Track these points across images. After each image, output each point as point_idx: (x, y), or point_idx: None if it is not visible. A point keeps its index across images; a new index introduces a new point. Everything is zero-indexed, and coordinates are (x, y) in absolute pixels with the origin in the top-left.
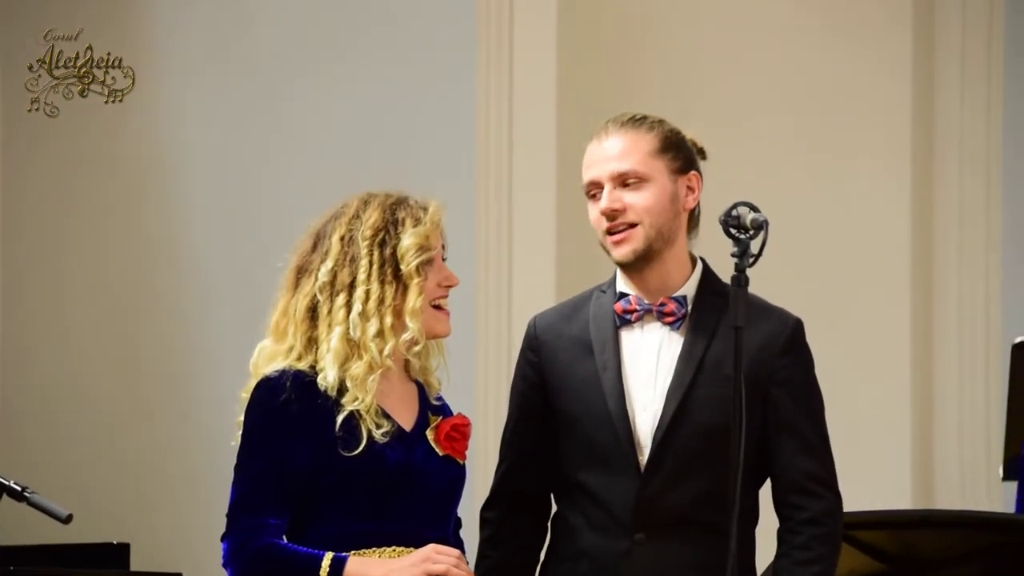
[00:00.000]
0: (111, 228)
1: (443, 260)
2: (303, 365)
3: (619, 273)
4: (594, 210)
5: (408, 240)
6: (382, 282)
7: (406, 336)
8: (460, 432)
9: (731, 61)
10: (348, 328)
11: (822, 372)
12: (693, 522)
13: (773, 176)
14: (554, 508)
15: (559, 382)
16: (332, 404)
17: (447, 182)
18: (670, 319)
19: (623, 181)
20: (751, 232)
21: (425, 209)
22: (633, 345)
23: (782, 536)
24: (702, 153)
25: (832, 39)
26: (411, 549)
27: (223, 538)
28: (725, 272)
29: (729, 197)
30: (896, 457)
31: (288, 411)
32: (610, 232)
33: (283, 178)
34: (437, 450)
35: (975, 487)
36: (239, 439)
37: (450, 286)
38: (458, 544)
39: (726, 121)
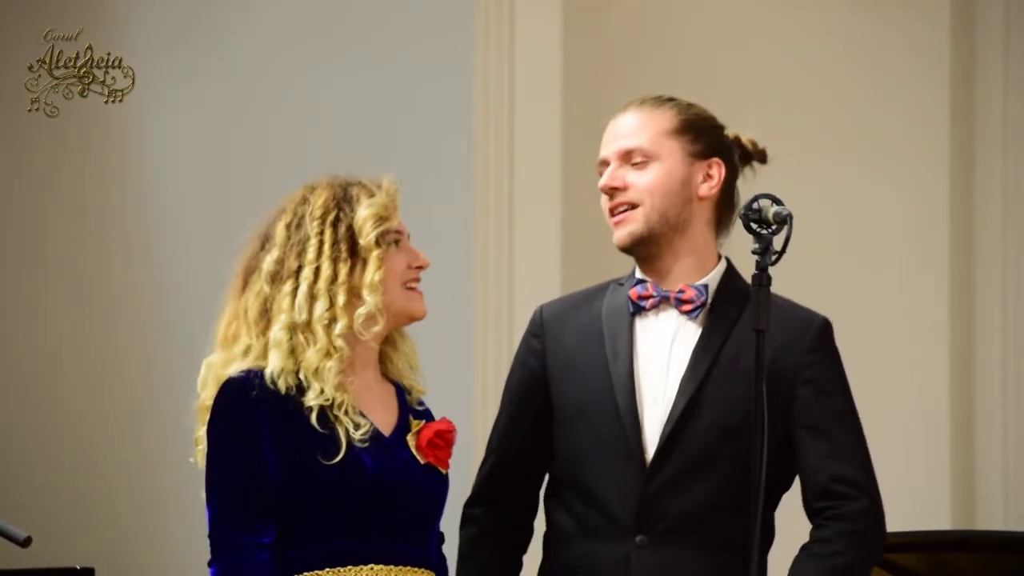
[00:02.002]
0: (111, 228)
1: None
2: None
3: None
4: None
5: (364, 211)
6: (335, 260)
7: (362, 310)
8: (444, 439)
9: (751, 43)
10: (294, 314)
11: (853, 380)
12: (700, 529)
13: (798, 171)
14: (543, 517)
15: (563, 369)
16: (300, 406)
17: (443, 176)
18: (688, 307)
19: (629, 159)
20: (774, 227)
21: (379, 185)
22: (646, 334)
23: (809, 538)
24: (760, 156)
25: (861, 22)
26: (390, 568)
27: (212, 563)
28: (747, 271)
29: (745, 191)
30: (934, 473)
31: (258, 415)
32: (612, 213)
33: (285, 177)
34: (419, 458)
35: (1020, 506)
36: (202, 453)
37: (420, 267)
38: (440, 562)
39: (747, 110)
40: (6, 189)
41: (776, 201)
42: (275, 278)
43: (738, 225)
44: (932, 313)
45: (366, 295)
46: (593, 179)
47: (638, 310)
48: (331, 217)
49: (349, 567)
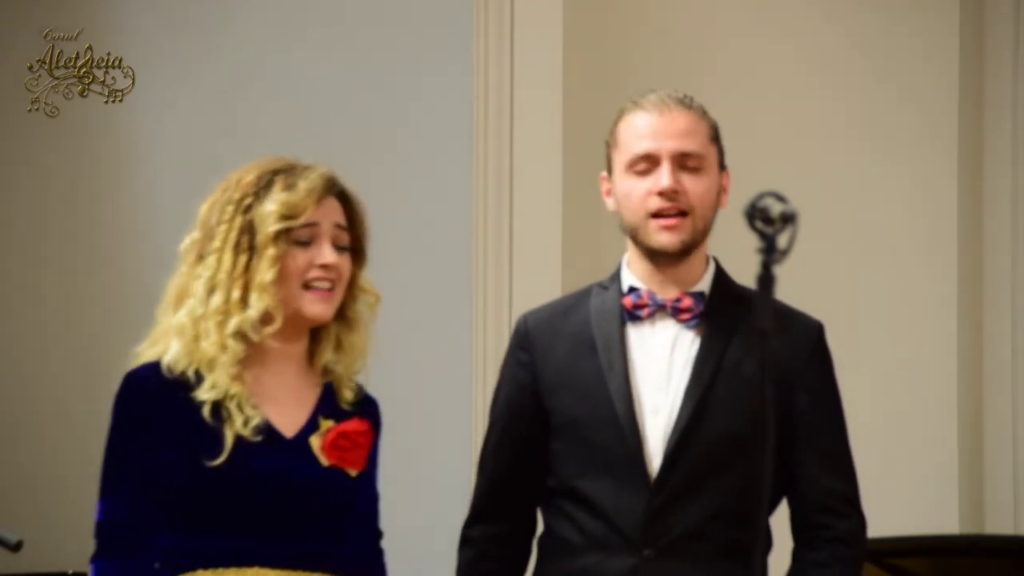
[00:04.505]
0: (111, 228)
1: (343, 244)
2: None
3: (628, 266)
4: (638, 186)
5: (269, 206)
6: (236, 250)
7: (250, 313)
8: (351, 439)
9: (754, 41)
10: (197, 302)
11: (858, 381)
12: (707, 539)
13: (802, 168)
14: (540, 524)
15: (557, 382)
16: (195, 399)
17: (442, 176)
18: (686, 316)
19: (684, 162)
20: (779, 226)
21: (306, 177)
22: (643, 343)
23: (799, 553)
24: None
25: (868, 17)
26: (279, 571)
27: (95, 559)
28: (735, 272)
29: (751, 190)
30: (942, 476)
31: (156, 412)
32: (659, 215)
33: None
34: (322, 460)
35: None
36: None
37: (323, 266)
38: (368, 558)
39: (749, 108)
40: (6, 189)
41: (781, 199)
42: (192, 259)
43: (729, 224)
44: (940, 312)
45: (252, 295)
46: (594, 179)
47: (632, 319)
48: (245, 203)
49: (232, 568)
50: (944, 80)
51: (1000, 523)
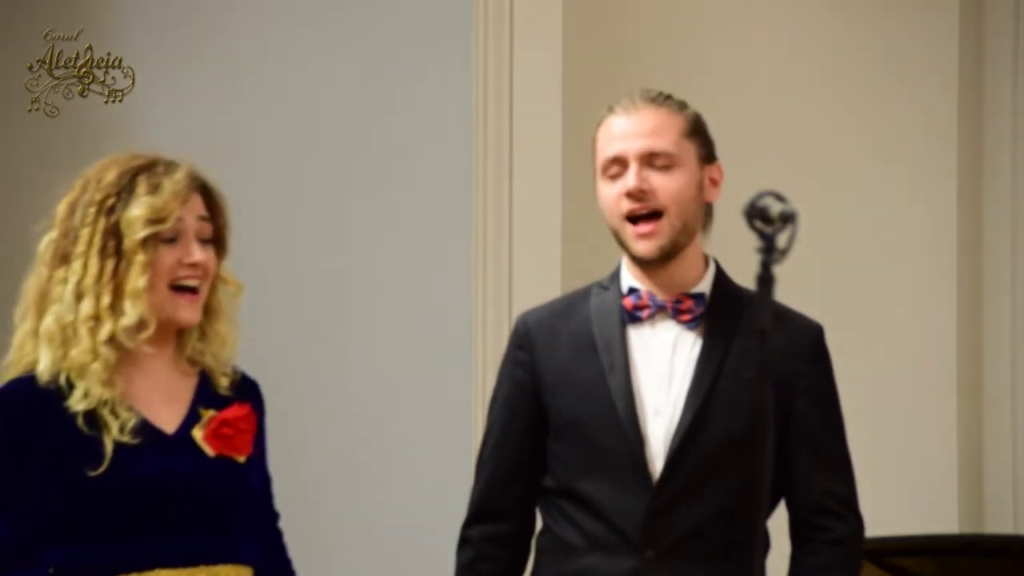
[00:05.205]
0: None
1: (206, 235)
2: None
3: (627, 267)
4: (611, 190)
5: (136, 210)
6: (103, 255)
7: (125, 322)
8: (233, 426)
9: (753, 41)
10: (64, 308)
11: (858, 381)
12: (707, 539)
13: (799, 166)
14: (538, 524)
15: (557, 382)
16: (68, 410)
17: (442, 176)
18: (687, 317)
19: (652, 162)
20: (779, 225)
21: (173, 176)
22: (643, 344)
23: (797, 557)
24: None
25: (867, 11)
26: (179, 570)
27: None
28: (735, 272)
29: (750, 190)
30: (942, 476)
31: (31, 430)
32: (632, 219)
33: (285, 177)
34: (207, 451)
35: None
36: None
37: (192, 264)
38: (268, 542)
39: (747, 108)
40: (6, 189)
41: (780, 198)
42: (50, 261)
43: (729, 224)
44: (940, 312)
45: (126, 304)
46: (593, 179)
47: (633, 320)
48: (108, 204)
49: (133, 573)
50: (944, 79)
51: (1000, 523)
